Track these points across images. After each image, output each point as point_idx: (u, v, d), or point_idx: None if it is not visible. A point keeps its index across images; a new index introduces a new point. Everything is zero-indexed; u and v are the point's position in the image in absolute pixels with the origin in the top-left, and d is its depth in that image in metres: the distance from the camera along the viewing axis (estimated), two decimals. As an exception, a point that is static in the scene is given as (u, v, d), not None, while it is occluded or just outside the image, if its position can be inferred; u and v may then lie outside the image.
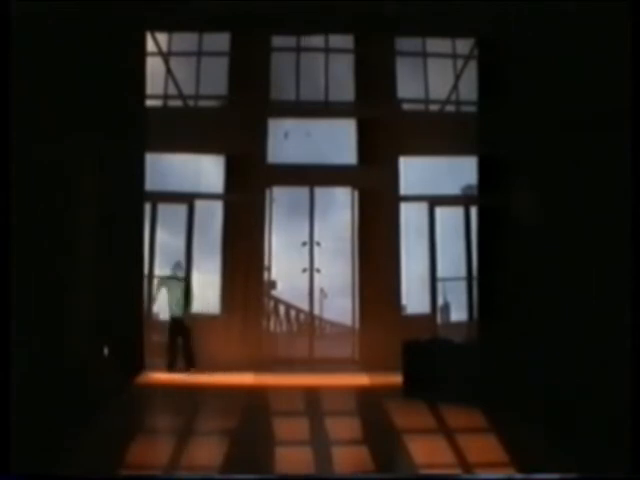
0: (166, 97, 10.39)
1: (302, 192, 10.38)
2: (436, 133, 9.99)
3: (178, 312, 9.42)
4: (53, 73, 5.57)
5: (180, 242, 10.20)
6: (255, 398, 7.88)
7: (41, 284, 5.30)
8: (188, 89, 10.43)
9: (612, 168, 5.42)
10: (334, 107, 10.52)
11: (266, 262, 10.21)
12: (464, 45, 10.07)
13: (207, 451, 6.25)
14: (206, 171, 10.37)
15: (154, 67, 9.72)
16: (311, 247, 10.33)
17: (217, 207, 10.35)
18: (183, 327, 9.35)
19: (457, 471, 5.85)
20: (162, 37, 9.97)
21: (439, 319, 10.36)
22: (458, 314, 10.32)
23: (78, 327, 6.15)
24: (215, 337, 9.64)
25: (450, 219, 10.37)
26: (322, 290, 10.44)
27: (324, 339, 10.55)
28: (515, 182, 7.75)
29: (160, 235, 10.20)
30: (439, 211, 10.37)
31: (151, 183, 9.42)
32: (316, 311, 10.51)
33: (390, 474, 5.68)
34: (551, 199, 6.76)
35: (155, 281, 9.82)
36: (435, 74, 10.55)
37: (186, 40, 10.40)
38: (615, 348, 5.18)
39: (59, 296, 5.69)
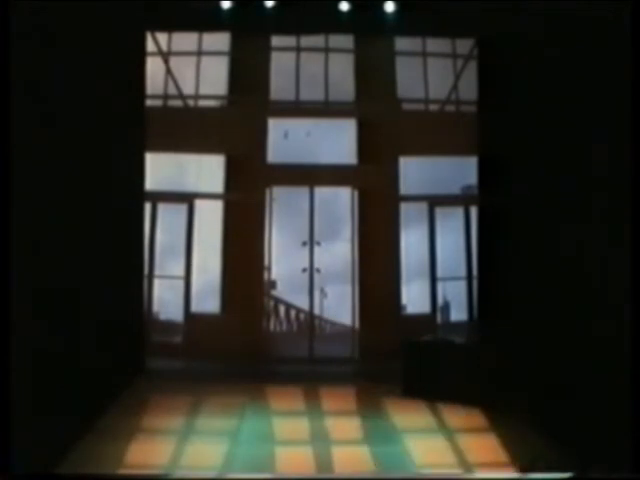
0: (166, 97, 10.39)
1: (302, 192, 10.38)
2: (436, 133, 10.00)
3: None
4: (52, 73, 5.57)
5: (180, 242, 10.20)
6: (255, 398, 7.88)
7: (41, 284, 5.30)
8: (188, 89, 10.43)
9: (612, 168, 5.42)
10: (334, 107, 10.52)
11: (266, 262, 10.20)
12: (464, 45, 10.07)
13: (207, 451, 6.26)
14: (206, 171, 10.37)
15: (154, 67, 9.72)
16: (311, 247, 10.33)
17: (217, 206, 10.35)
18: None
19: (457, 471, 5.87)
20: (162, 37, 9.98)
21: (439, 319, 10.36)
22: (458, 314, 10.31)
23: (78, 327, 6.15)
24: (215, 337, 9.63)
25: (450, 219, 10.37)
26: (322, 290, 10.45)
27: (324, 339, 10.54)
28: (515, 182, 7.75)
29: (160, 235, 10.18)
30: (439, 211, 10.37)
31: (151, 183, 9.43)
32: (316, 311, 10.50)
33: (390, 474, 5.69)
34: (551, 199, 6.76)
35: None
36: (435, 74, 10.54)
37: (186, 40, 10.39)
38: (615, 347, 5.18)
39: (58, 296, 5.68)
